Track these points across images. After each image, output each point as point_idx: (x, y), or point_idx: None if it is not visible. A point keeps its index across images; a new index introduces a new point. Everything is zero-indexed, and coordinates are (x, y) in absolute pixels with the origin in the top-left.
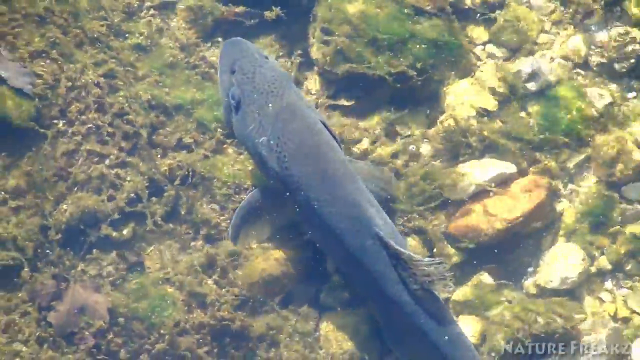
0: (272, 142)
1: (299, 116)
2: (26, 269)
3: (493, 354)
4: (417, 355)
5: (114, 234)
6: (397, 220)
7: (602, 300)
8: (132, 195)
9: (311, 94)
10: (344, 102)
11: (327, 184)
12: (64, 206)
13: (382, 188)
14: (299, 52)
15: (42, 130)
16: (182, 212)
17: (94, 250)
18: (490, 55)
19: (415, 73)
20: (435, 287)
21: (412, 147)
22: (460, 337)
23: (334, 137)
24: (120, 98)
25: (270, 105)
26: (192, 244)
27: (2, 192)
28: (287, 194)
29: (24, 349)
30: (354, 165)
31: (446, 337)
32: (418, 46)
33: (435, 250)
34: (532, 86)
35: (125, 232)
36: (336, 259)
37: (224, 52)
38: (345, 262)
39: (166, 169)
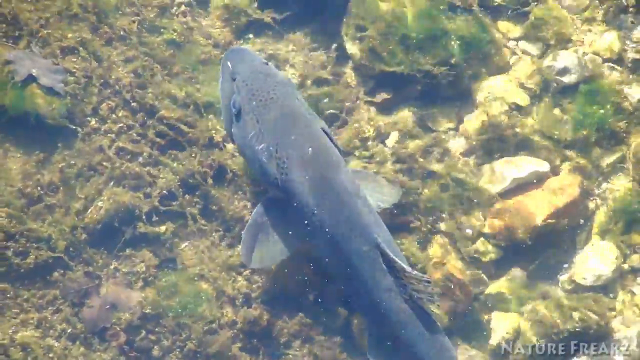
0: (271, 148)
1: (299, 123)
2: (59, 268)
3: (527, 350)
4: None
5: (150, 231)
6: (426, 220)
7: (634, 297)
8: (165, 192)
9: (351, 87)
10: (384, 96)
11: (326, 190)
12: (99, 203)
13: (383, 197)
14: (335, 46)
15: (73, 127)
16: (214, 210)
17: (128, 249)
18: (524, 51)
19: (445, 70)
20: (422, 303)
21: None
22: (446, 351)
23: (335, 144)
24: (150, 94)
25: (270, 112)
26: (224, 241)
27: (38, 188)
28: (289, 203)
29: (56, 344)
30: (355, 173)
31: (432, 349)
32: (450, 43)
33: (470, 248)
34: (565, 81)
35: (163, 228)
36: (332, 264)
37: (225, 60)
38: (340, 268)
39: (198, 167)
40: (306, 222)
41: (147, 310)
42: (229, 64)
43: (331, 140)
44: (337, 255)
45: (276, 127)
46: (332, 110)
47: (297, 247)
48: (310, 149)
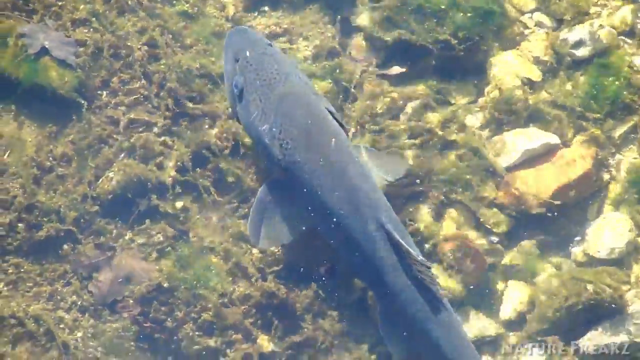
0: (274, 129)
1: (302, 103)
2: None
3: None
4: (409, 344)
5: (164, 203)
6: (438, 191)
7: None
8: (179, 164)
9: (356, 61)
10: (395, 70)
11: (330, 169)
12: (110, 174)
13: (389, 171)
14: (339, 17)
15: (83, 102)
16: (229, 182)
17: (142, 220)
18: (538, 24)
19: (456, 42)
20: (426, 284)
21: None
22: (455, 327)
23: (340, 123)
24: (162, 66)
25: (273, 92)
26: (238, 213)
27: (51, 159)
28: (292, 184)
29: (67, 316)
30: (359, 151)
31: (441, 326)
32: (462, 14)
33: (482, 219)
34: (580, 54)
35: (177, 203)
36: (338, 245)
37: (228, 41)
38: (346, 248)
39: (213, 139)
40: (310, 203)
41: (162, 283)
42: (231, 44)
43: (335, 119)
44: (343, 236)
45: (279, 107)
46: (344, 84)
47: (302, 230)
48: (333, 140)
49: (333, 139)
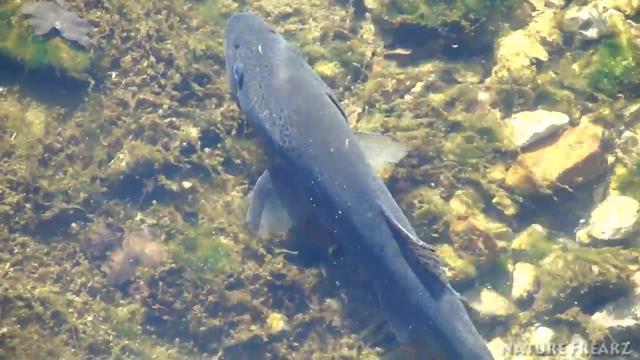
0: (274, 115)
1: (302, 88)
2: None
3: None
4: (412, 329)
5: (172, 184)
6: (448, 172)
7: None
8: (185, 144)
9: (368, 43)
10: (400, 51)
11: (329, 156)
12: (120, 155)
13: (389, 155)
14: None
15: (93, 82)
16: (237, 163)
17: (151, 201)
18: (547, 4)
19: (468, 24)
20: (430, 267)
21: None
22: (457, 312)
23: (340, 110)
24: (169, 45)
25: (273, 78)
26: (249, 194)
27: (60, 141)
28: (292, 171)
29: (77, 299)
30: (360, 137)
31: (442, 312)
32: None
33: (494, 200)
34: (588, 35)
35: (184, 183)
36: (337, 232)
37: (229, 27)
38: (345, 235)
39: (220, 119)
40: (310, 190)
41: (171, 264)
42: (233, 30)
43: (336, 105)
44: (341, 223)
45: (279, 93)
46: (353, 64)
47: (303, 217)
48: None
49: (341, 131)
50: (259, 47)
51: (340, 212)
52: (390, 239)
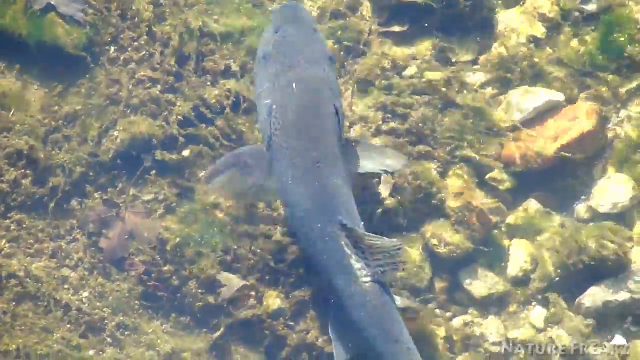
0: (274, 106)
1: (311, 92)
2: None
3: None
4: (354, 349)
5: (168, 159)
6: (445, 149)
7: None
8: (181, 118)
9: (365, 19)
10: (396, 28)
11: (306, 163)
12: (115, 132)
13: (386, 165)
14: None
15: (92, 57)
16: (233, 138)
17: (146, 176)
18: None
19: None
20: (387, 275)
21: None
22: (400, 336)
23: (339, 123)
24: (168, 27)
25: (290, 73)
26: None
27: (56, 118)
28: (272, 160)
29: (72, 274)
30: (361, 145)
31: (385, 335)
32: None
33: (487, 176)
34: (588, 9)
35: (181, 154)
36: (297, 238)
37: (278, 12)
38: (304, 243)
39: (216, 95)
40: (279, 187)
41: (167, 240)
42: (280, 15)
43: (338, 120)
44: (302, 230)
45: (287, 88)
46: (349, 43)
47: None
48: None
49: (328, 144)
50: (295, 40)
51: (302, 218)
52: (344, 255)
